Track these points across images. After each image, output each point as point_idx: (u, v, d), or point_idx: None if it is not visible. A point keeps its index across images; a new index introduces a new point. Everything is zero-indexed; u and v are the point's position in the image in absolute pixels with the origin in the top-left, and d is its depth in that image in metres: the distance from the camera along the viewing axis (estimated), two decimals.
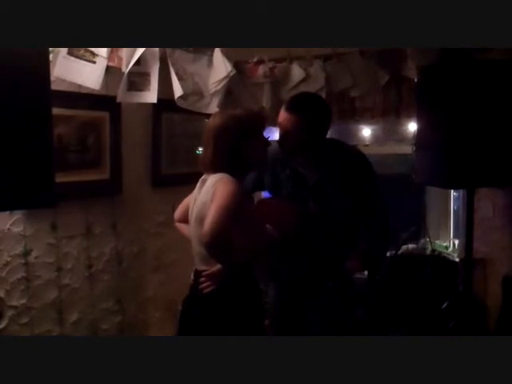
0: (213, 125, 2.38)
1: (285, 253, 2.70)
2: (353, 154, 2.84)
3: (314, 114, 2.63)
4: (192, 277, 2.44)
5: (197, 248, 2.39)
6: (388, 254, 4.25)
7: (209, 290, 2.32)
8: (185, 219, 2.52)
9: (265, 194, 3.30)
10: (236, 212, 2.18)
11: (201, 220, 2.27)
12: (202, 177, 2.43)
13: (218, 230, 2.11)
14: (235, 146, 2.33)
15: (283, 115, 2.63)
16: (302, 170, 2.76)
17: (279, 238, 2.55)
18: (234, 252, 2.23)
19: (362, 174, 2.77)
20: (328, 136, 2.82)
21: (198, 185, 2.44)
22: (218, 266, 2.30)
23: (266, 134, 2.47)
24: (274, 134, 3.54)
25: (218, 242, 2.14)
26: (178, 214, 2.62)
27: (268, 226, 2.55)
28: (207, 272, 2.33)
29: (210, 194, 2.25)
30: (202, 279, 2.33)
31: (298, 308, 2.91)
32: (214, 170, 2.34)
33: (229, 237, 2.16)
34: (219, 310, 2.33)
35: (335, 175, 2.71)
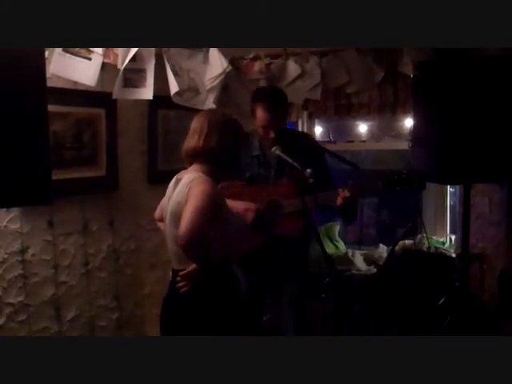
0: (219, 118, 2.40)
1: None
2: (304, 136, 3.30)
3: (287, 108, 3.10)
4: (170, 275, 2.44)
5: (172, 247, 2.38)
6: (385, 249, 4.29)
7: (185, 289, 2.31)
8: (163, 218, 2.52)
9: None
10: (211, 212, 2.19)
11: (175, 219, 2.27)
12: (177, 175, 2.43)
13: (193, 230, 2.12)
14: (231, 144, 2.37)
15: (266, 113, 2.89)
16: (269, 152, 2.94)
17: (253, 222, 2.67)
18: (209, 252, 2.24)
19: (314, 150, 3.08)
20: (325, 132, 2.92)
21: (172, 184, 2.43)
22: (194, 266, 2.29)
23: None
24: None
25: (195, 243, 2.14)
26: (157, 213, 2.62)
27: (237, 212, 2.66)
28: (183, 272, 2.31)
29: (184, 193, 2.24)
30: (178, 279, 2.33)
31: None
32: (203, 160, 2.35)
33: (204, 237, 2.16)
34: (197, 309, 2.34)
35: (294, 154, 2.86)
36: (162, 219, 2.55)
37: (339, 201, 2.81)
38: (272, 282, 3.09)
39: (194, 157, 2.38)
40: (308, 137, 3.43)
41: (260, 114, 2.91)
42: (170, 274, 2.43)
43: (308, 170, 2.62)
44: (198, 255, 2.24)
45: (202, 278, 2.30)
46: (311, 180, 2.61)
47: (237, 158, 2.45)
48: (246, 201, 2.86)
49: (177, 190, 2.34)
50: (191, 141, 2.38)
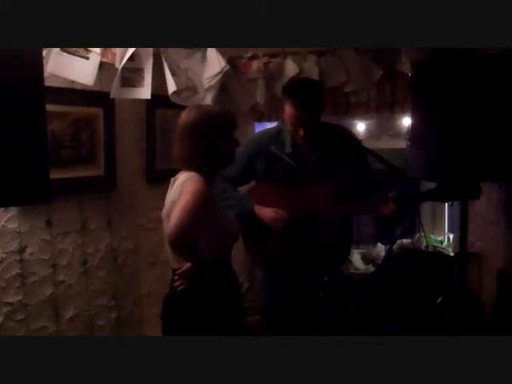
0: (189, 119, 2.36)
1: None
2: (344, 132, 3.04)
3: (320, 103, 2.84)
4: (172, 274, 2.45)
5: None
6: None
7: (181, 288, 2.32)
8: None
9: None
10: (200, 210, 2.19)
11: (169, 219, 2.28)
12: (175, 176, 2.43)
13: (179, 228, 2.12)
14: (211, 143, 2.34)
15: (292, 109, 2.74)
16: (303, 150, 2.87)
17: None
18: (200, 250, 2.24)
19: (355, 148, 2.93)
20: None
21: (170, 184, 2.44)
22: (189, 264, 2.30)
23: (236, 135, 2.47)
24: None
25: (181, 241, 2.15)
26: (163, 213, 2.62)
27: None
28: (179, 271, 2.32)
29: (177, 192, 2.27)
30: (175, 277, 2.34)
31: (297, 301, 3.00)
32: (188, 165, 2.35)
33: (192, 235, 2.17)
34: (198, 308, 2.34)
35: (332, 152, 2.80)
36: None
37: (387, 212, 2.73)
38: (304, 288, 2.96)
39: (179, 163, 2.39)
40: (347, 133, 3.10)
41: (287, 110, 2.76)
42: (171, 273, 2.44)
43: (347, 172, 2.53)
44: (185, 253, 2.25)
45: (197, 276, 2.30)
46: (350, 182, 2.51)
47: (223, 154, 2.39)
48: (277, 205, 2.78)
49: (172, 189, 2.36)
50: (174, 148, 2.40)
